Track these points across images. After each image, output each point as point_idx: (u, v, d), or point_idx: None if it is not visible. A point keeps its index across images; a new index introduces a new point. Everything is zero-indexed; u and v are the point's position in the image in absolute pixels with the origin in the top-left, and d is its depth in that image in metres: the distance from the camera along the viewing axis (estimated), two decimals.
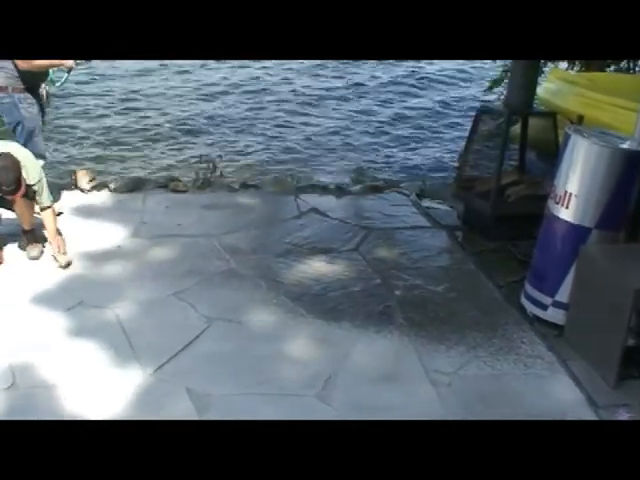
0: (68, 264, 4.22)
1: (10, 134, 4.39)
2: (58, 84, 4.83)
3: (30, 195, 4.15)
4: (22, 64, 4.33)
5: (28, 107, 4.51)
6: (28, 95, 4.49)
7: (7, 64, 4.35)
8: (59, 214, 4.67)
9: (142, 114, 8.28)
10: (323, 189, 5.81)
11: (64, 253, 4.27)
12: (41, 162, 4.56)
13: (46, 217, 4.25)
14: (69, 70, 4.74)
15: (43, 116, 4.76)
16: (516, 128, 5.34)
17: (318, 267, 4.47)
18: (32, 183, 4.08)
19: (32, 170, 4.08)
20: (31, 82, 4.48)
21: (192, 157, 6.94)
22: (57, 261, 4.24)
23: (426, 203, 5.64)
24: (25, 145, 4.54)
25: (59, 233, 4.35)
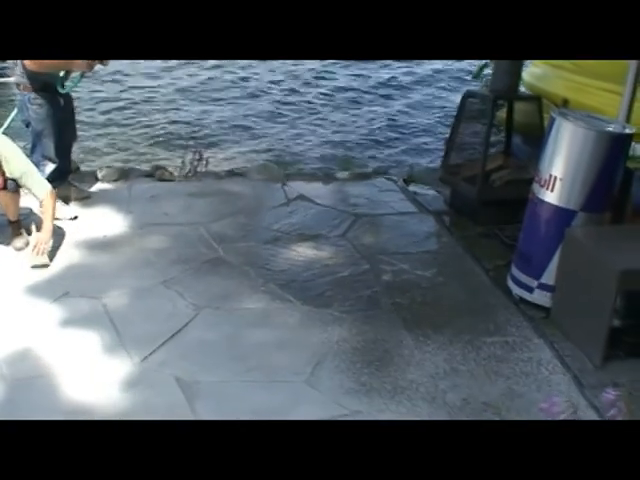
0: (42, 265, 4.06)
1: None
2: (67, 88, 4.65)
3: (11, 187, 4.11)
4: (29, 64, 4.28)
5: (37, 108, 4.46)
6: (38, 96, 4.43)
7: (20, 62, 4.31)
8: (74, 218, 4.66)
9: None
10: (310, 176, 5.81)
11: (41, 253, 4.06)
12: (52, 166, 4.54)
13: (43, 209, 4.20)
14: (82, 74, 4.69)
15: (60, 119, 4.62)
16: (502, 112, 5.36)
17: (306, 253, 4.48)
18: (14, 177, 4.05)
19: (14, 163, 4.04)
20: (41, 83, 4.42)
21: (180, 147, 6.90)
22: (31, 260, 4.05)
23: (413, 189, 5.65)
24: (34, 146, 4.54)
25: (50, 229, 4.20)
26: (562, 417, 1.53)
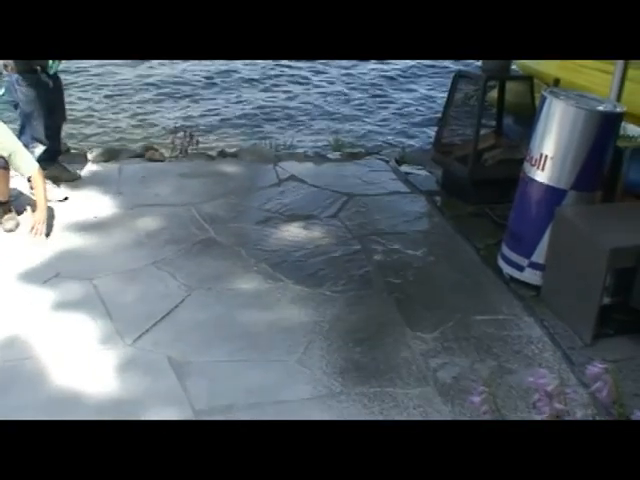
0: (41, 245, 4.10)
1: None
2: (52, 68, 4.58)
3: (0, 164, 4.10)
4: None
5: (25, 90, 4.44)
6: (25, 77, 4.40)
7: None
8: (65, 199, 4.64)
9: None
10: (302, 156, 5.79)
11: (40, 234, 4.12)
12: (41, 148, 4.52)
13: (34, 189, 4.18)
14: None
15: (50, 101, 4.61)
16: (493, 92, 5.35)
17: (298, 234, 4.48)
18: (2, 155, 4.04)
19: (2, 142, 4.02)
20: (27, 64, 4.38)
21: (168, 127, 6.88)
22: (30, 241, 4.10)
23: (405, 169, 5.64)
24: (23, 128, 4.52)
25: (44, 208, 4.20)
26: (550, 389, 1.54)
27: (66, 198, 4.64)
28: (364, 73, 9.34)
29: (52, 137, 4.72)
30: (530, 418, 2.14)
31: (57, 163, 4.86)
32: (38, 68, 4.45)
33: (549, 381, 1.57)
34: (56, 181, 4.74)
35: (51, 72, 4.56)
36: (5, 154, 4.04)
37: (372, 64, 9.51)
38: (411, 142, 7.08)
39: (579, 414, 1.61)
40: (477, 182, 4.94)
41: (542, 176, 3.80)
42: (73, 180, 4.91)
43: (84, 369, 3.17)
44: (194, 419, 2.87)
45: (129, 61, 8.61)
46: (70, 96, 6.85)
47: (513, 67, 5.91)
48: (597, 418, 1.63)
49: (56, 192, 4.64)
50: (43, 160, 4.56)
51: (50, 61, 4.51)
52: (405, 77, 9.37)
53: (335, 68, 9.38)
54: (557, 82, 4.46)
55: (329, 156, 5.86)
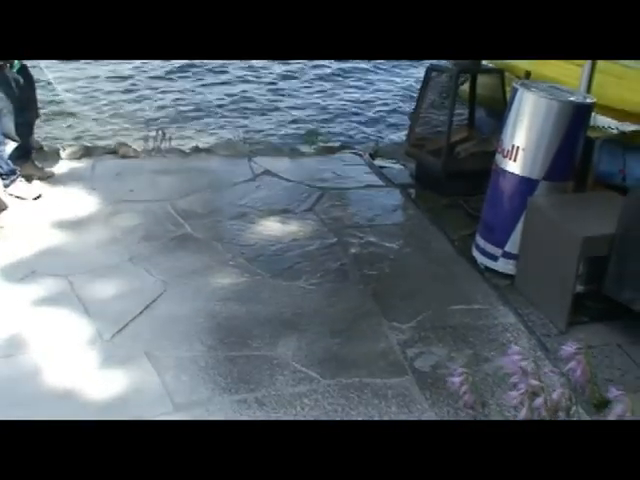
0: None
1: None
2: (16, 66, 4.52)
3: None
4: None
5: None
6: None
7: None
8: (38, 197, 4.59)
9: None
10: (276, 151, 5.80)
11: None
12: (13, 145, 4.49)
13: None
14: None
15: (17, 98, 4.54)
16: (465, 86, 5.40)
17: (274, 228, 4.49)
18: None
19: None
20: None
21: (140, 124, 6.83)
22: None
23: (380, 162, 5.68)
24: None
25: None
26: (524, 365, 1.58)
27: (39, 196, 4.60)
28: None
29: (24, 134, 4.67)
30: (507, 402, 2.18)
31: (30, 161, 4.81)
32: (4, 64, 4.39)
33: (523, 358, 1.60)
34: (29, 179, 4.70)
35: (14, 69, 4.50)
36: None
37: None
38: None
39: (555, 394, 1.64)
40: (450, 175, 4.99)
41: (514, 167, 3.86)
42: (46, 178, 4.86)
43: (62, 366, 3.14)
44: (185, 419, 2.85)
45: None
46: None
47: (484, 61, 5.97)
48: (572, 398, 1.65)
49: (29, 189, 4.60)
50: (16, 158, 4.51)
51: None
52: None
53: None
54: (528, 75, 4.52)
55: (303, 150, 5.88)
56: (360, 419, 2.89)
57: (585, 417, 1.81)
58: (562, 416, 1.64)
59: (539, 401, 1.58)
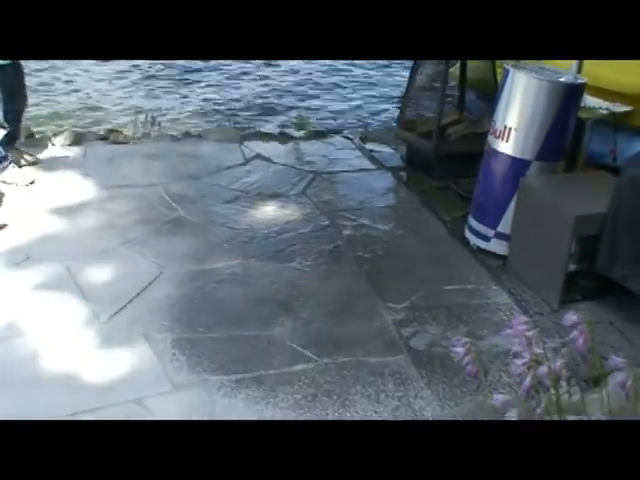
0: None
1: None
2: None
3: None
4: None
5: None
6: None
7: None
8: (31, 183, 4.58)
9: None
10: (267, 136, 5.80)
11: None
12: (2, 132, 4.46)
13: None
14: None
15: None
16: (455, 69, 5.41)
17: (267, 211, 4.50)
18: None
19: None
20: None
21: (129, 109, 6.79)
22: None
23: (370, 146, 5.69)
24: None
25: None
26: (528, 334, 1.61)
27: (32, 182, 4.58)
28: None
29: (13, 121, 4.65)
30: (503, 378, 2.20)
31: (14, 147, 4.79)
32: None
33: (528, 327, 1.63)
34: (17, 165, 4.68)
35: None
36: None
37: None
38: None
39: (558, 363, 1.66)
40: (442, 157, 5.01)
41: (506, 148, 3.88)
42: (32, 164, 4.82)
43: (60, 348, 3.15)
44: (186, 419, 2.80)
45: None
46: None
47: None
48: (571, 366, 1.68)
49: (22, 176, 4.58)
50: (5, 144, 4.49)
51: None
52: None
53: None
54: None
55: (294, 134, 5.89)
56: (360, 419, 2.86)
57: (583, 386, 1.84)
58: (563, 386, 1.67)
59: (543, 369, 1.60)
